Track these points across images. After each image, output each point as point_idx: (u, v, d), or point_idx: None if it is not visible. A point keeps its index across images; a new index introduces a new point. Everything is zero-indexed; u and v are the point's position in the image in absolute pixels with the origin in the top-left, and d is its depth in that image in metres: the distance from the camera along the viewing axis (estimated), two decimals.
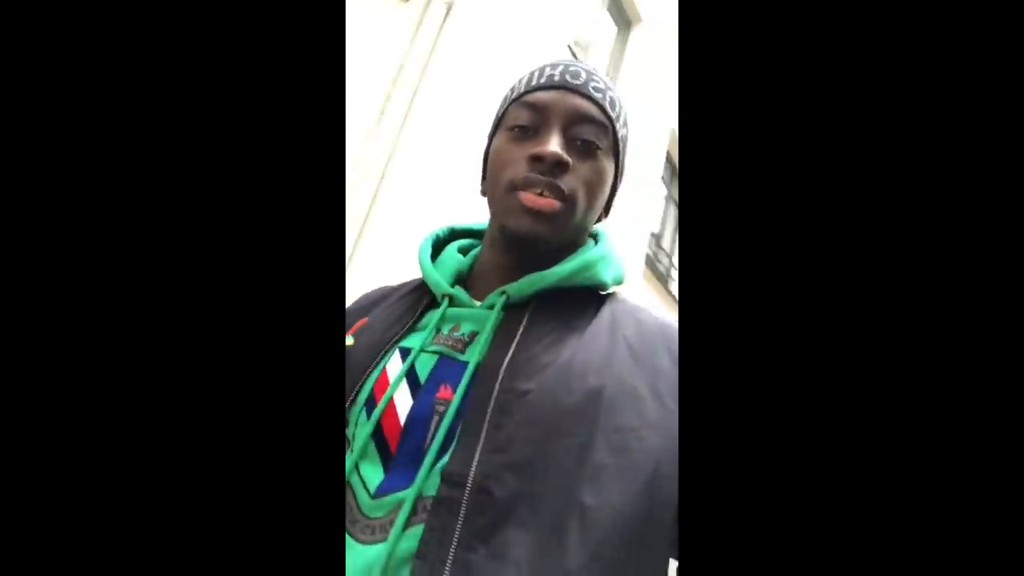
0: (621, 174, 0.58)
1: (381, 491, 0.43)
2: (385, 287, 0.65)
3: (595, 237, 0.60)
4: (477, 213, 0.62)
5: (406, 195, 2.48)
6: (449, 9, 2.72)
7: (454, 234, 0.64)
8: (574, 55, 3.85)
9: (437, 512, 0.40)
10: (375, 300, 0.62)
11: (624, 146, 0.56)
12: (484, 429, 0.42)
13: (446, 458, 0.43)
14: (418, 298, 0.57)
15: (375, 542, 0.41)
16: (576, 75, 0.53)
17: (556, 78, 0.53)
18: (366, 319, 0.58)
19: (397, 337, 0.52)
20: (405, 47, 2.56)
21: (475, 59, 2.88)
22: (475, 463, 0.41)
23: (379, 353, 0.51)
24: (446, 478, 0.41)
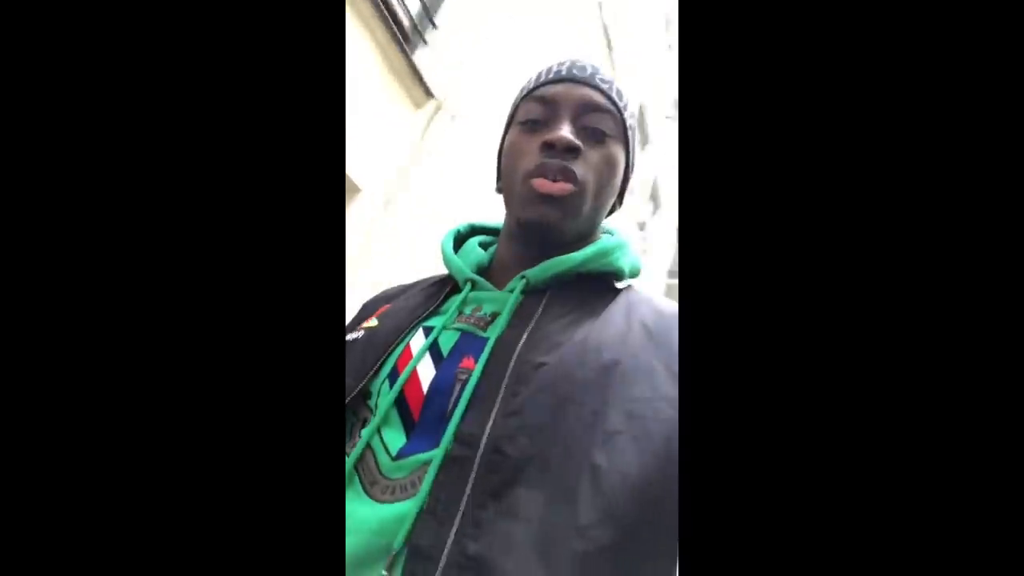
0: (632, 163, 0.61)
1: (403, 453, 0.44)
2: (405, 284, 0.68)
3: (611, 233, 0.61)
4: None
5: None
6: (453, 118, 3.29)
7: (474, 230, 0.66)
8: None
9: (449, 469, 0.40)
10: (396, 293, 0.65)
11: (633, 135, 0.59)
12: (500, 395, 0.43)
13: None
14: (440, 287, 0.59)
15: (397, 500, 0.41)
16: (583, 69, 0.57)
17: (563, 72, 0.57)
18: (388, 306, 0.60)
19: (420, 318, 0.54)
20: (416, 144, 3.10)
21: (472, 158, 3.44)
22: (489, 425, 0.41)
23: (403, 331, 0.53)
24: (460, 438, 0.42)
